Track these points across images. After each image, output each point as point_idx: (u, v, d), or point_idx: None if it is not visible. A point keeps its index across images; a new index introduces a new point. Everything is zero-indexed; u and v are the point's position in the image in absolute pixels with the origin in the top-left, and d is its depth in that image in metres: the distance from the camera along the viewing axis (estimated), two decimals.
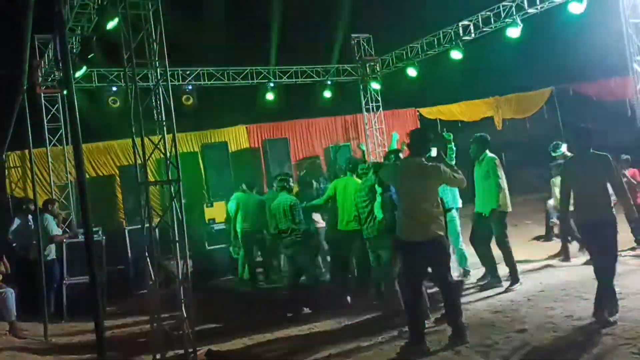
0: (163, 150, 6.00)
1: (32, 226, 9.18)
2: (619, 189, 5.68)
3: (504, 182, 7.62)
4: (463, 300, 7.26)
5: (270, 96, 14.55)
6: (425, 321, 5.86)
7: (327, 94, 15.27)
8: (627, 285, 6.69)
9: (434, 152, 5.96)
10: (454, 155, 7.66)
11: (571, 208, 5.97)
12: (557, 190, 8.67)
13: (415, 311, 5.58)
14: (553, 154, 9.59)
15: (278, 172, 10.19)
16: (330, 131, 16.29)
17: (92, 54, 9.54)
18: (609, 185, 5.71)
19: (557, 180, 8.95)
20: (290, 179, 8.11)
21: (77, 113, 4.44)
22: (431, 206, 5.58)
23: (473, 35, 12.89)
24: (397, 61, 15.01)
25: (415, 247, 5.55)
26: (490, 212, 7.55)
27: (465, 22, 12.92)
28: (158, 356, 5.69)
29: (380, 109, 16.01)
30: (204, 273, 11.06)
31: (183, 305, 5.81)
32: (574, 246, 9.15)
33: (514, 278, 7.54)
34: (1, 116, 8.59)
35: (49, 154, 12.23)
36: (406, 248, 5.68)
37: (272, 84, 14.47)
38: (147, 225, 5.86)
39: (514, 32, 11.75)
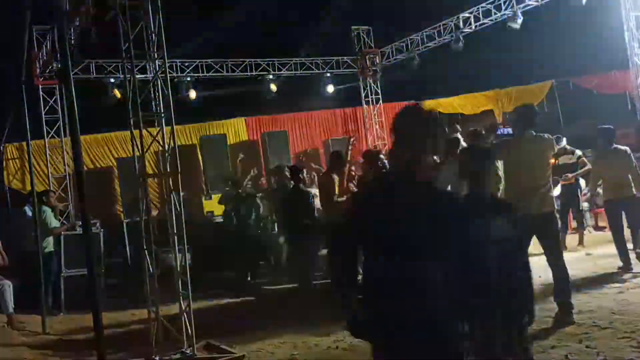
0: (161, 143, 5.96)
1: (30, 217, 9.14)
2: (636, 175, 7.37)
3: None
4: None
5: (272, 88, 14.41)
6: None
7: (327, 86, 15.20)
8: (627, 278, 6.70)
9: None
10: None
11: None
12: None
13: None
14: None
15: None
16: (329, 124, 16.22)
17: (91, 45, 9.50)
18: None
19: None
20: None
21: (76, 105, 4.39)
22: (548, 179, 5.68)
23: (473, 27, 12.84)
24: (397, 53, 14.95)
25: (531, 221, 5.47)
26: None
27: (466, 14, 12.86)
28: (156, 349, 5.68)
29: (380, 101, 15.93)
30: (202, 266, 11.02)
31: (181, 297, 5.80)
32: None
33: None
34: None
35: (46, 145, 12.19)
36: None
37: (271, 76, 14.40)
38: (145, 217, 5.83)
39: (514, 25, 11.69)
